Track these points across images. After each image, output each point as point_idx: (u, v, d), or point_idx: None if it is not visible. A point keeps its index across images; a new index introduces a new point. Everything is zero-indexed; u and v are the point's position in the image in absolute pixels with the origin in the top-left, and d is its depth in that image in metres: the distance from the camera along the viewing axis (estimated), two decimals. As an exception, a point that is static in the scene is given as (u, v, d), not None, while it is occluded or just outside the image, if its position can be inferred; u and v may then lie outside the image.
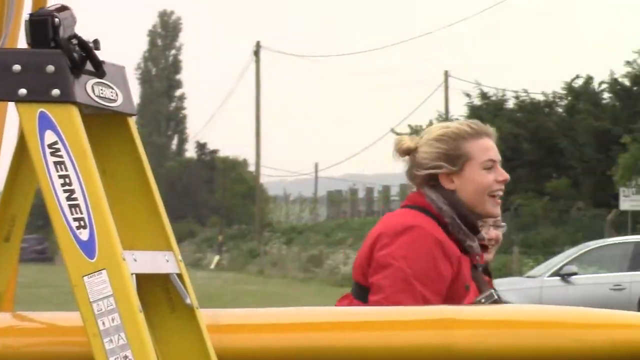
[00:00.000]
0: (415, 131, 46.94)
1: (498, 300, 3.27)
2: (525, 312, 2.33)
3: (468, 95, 45.38)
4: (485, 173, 3.25)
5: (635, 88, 38.94)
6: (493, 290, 3.31)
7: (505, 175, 3.29)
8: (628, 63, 38.74)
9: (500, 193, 3.29)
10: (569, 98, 41.60)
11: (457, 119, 48.81)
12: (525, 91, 43.75)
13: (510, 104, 43.98)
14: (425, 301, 3.03)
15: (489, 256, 3.62)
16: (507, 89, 45.04)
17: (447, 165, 3.21)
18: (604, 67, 70.01)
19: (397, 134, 47.23)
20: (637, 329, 2.17)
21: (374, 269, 3.12)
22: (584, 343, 2.15)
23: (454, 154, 3.22)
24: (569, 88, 41.44)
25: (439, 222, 3.18)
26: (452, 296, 3.14)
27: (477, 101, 44.89)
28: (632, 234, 30.12)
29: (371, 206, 60.86)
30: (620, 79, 39.28)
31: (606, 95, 40.65)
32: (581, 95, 40.64)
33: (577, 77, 41.25)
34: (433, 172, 3.21)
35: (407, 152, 3.28)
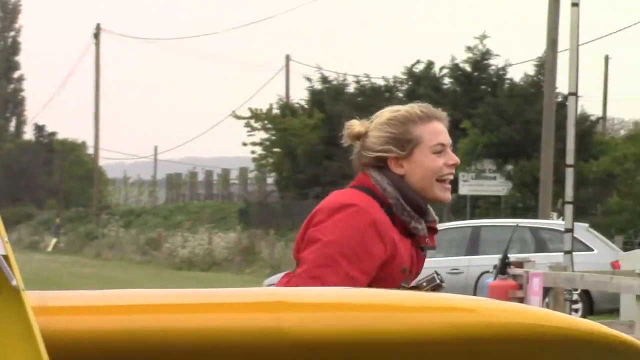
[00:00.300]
0: (256, 115, 47.22)
1: (440, 284, 3.24)
2: (356, 295, 2.32)
3: (309, 79, 45.67)
4: (434, 157, 3.22)
5: (475, 73, 39.87)
6: (435, 274, 3.27)
7: (455, 159, 3.26)
8: (469, 49, 39.63)
9: (450, 177, 3.26)
10: (410, 83, 42.24)
11: (297, 103, 49.41)
12: (367, 76, 44.29)
13: (351, 88, 44.42)
14: (350, 279, 3.01)
15: None
16: (348, 74, 45.55)
17: (396, 149, 3.18)
18: (445, 53, 71.41)
19: (238, 117, 47.07)
20: (467, 312, 2.19)
21: (305, 243, 3.13)
22: (413, 326, 2.15)
23: (403, 138, 3.18)
24: (410, 73, 42.03)
25: (383, 203, 3.15)
26: (387, 278, 3.12)
27: (317, 85, 45.18)
28: (471, 218, 30.91)
29: (210, 189, 60.85)
30: (461, 65, 40.13)
31: (447, 80, 41.43)
32: (422, 80, 41.27)
33: (418, 62, 41.93)
34: (381, 156, 3.18)
35: (357, 136, 3.24)
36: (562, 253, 12.84)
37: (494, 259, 12.91)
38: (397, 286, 3.13)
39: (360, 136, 3.23)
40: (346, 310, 2.19)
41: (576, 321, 2.36)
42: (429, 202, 3.26)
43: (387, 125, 3.21)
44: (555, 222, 20.85)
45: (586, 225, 20.28)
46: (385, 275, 3.12)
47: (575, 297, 15.29)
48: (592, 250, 18.75)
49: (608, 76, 50.81)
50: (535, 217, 26.07)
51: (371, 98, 42.07)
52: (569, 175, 12.54)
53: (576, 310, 16.97)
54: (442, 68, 41.22)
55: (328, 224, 3.10)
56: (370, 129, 3.23)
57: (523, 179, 35.17)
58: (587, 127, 37.32)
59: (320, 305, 2.22)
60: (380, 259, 3.10)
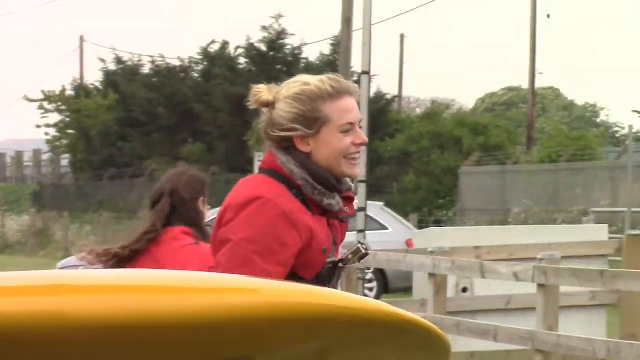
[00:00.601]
0: (49, 97, 46.81)
1: (366, 253, 3.30)
2: (135, 277, 2.32)
3: (103, 60, 45.82)
4: (342, 137, 3.20)
5: (271, 53, 40.24)
6: (359, 244, 3.30)
7: (363, 138, 3.25)
8: (264, 28, 39.87)
9: (357, 155, 3.26)
10: (205, 63, 42.32)
11: (92, 84, 48.77)
12: (162, 56, 44.38)
13: (146, 69, 44.63)
14: (267, 274, 3.01)
15: None
16: (143, 54, 45.32)
17: (303, 128, 3.15)
18: (242, 33, 71.82)
19: (30, 100, 46.45)
20: (249, 293, 2.17)
21: (217, 245, 3.14)
22: (193, 307, 2.12)
23: (311, 116, 3.14)
24: (205, 53, 42.17)
25: (292, 186, 3.15)
26: (308, 262, 3.16)
27: (112, 66, 45.18)
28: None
29: (3, 172, 60.57)
30: (256, 44, 40.40)
31: (242, 60, 41.76)
32: (217, 60, 41.46)
33: (213, 42, 42.08)
34: (287, 135, 3.15)
35: (265, 104, 3.19)
36: (355, 232, 12.98)
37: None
38: (321, 267, 3.19)
39: (268, 104, 3.19)
40: (129, 292, 2.17)
41: (361, 301, 2.34)
42: (338, 177, 3.26)
43: (295, 101, 3.17)
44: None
45: (381, 204, 20.67)
46: (307, 260, 3.16)
47: (369, 276, 15.46)
48: (387, 229, 19.07)
49: (404, 54, 52.05)
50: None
51: (166, 78, 42.17)
52: (362, 154, 12.55)
53: (371, 289, 17.23)
54: (237, 48, 41.48)
55: (237, 222, 3.09)
56: (278, 98, 3.18)
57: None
58: (382, 106, 38.24)
59: (104, 288, 2.20)
60: (296, 247, 3.12)
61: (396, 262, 10.69)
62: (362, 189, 12.63)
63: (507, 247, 10.67)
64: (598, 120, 54.98)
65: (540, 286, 8.20)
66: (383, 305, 2.32)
